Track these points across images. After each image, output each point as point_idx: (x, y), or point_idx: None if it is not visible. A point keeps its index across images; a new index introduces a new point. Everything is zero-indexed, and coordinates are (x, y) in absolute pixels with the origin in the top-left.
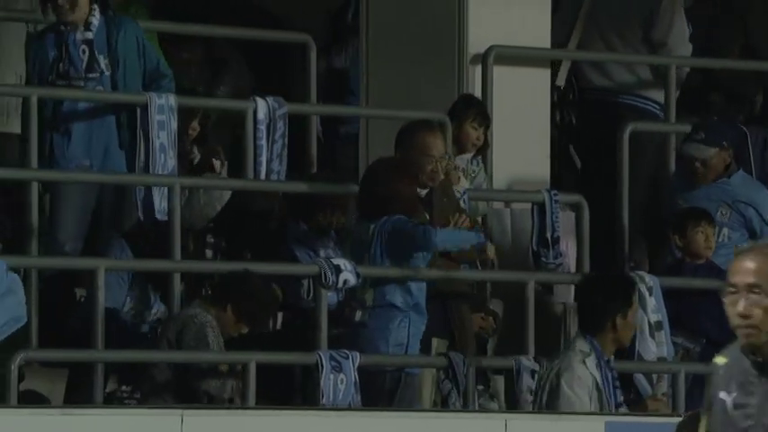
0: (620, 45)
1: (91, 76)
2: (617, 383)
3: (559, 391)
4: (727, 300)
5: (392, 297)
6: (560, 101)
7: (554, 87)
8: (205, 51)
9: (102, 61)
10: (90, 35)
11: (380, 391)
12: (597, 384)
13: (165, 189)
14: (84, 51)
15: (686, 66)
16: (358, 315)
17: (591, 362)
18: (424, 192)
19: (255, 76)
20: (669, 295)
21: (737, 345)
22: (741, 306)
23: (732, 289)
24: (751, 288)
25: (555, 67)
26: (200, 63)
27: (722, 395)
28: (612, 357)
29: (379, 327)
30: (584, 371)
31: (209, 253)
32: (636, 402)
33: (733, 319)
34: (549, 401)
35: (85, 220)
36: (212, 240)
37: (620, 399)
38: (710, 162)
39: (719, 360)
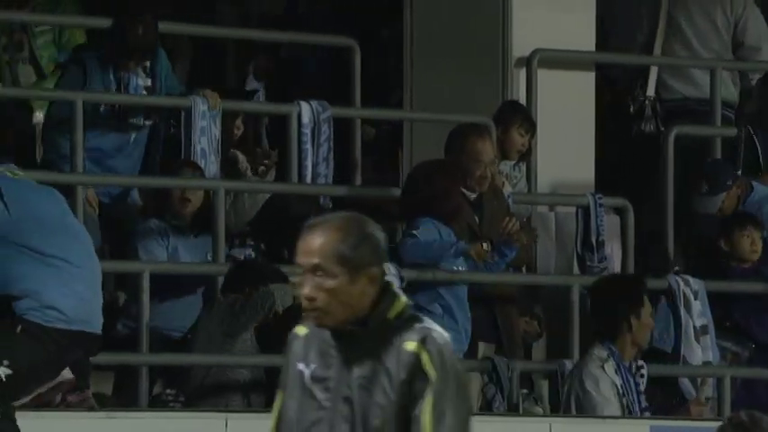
0: (704, 51)
1: (147, 123)
2: (641, 389)
3: (587, 396)
4: (297, 281)
5: (422, 299)
6: (653, 110)
7: (637, 98)
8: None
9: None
10: (149, 82)
11: None
12: (618, 389)
13: None
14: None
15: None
16: None
17: (610, 367)
18: (473, 196)
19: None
20: (716, 299)
21: None
22: (306, 289)
23: (300, 270)
24: (314, 270)
25: (641, 78)
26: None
27: (300, 366)
28: (641, 363)
29: None
30: (604, 376)
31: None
32: (680, 406)
33: (302, 302)
34: (579, 407)
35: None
36: (252, 243)
37: (645, 404)
38: (725, 205)
39: (300, 330)
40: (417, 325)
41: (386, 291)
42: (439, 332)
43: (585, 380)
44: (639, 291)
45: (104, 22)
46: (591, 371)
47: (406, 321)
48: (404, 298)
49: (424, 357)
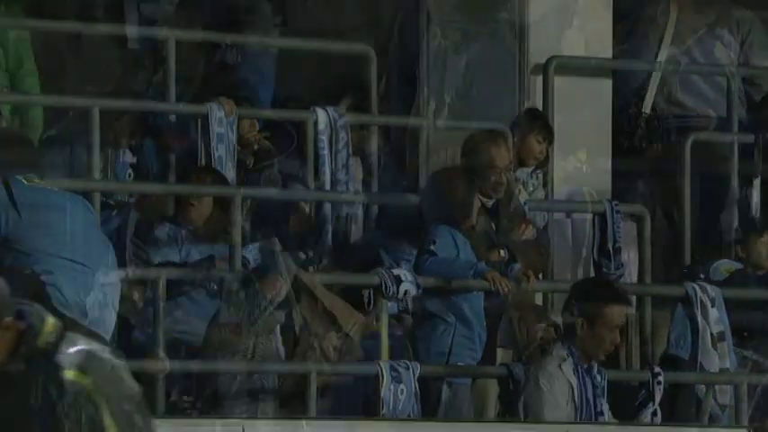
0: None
1: (131, 201)
2: (599, 392)
3: (537, 394)
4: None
5: (435, 307)
6: (647, 127)
7: (631, 115)
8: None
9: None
10: (135, 159)
11: (427, 400)
12: (573, 390)
13: None
14: (129, 175)
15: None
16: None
17: (567, 366)
18: (489, 202)
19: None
20: (734, 306)
21: None
22: None
23: None
24: None
25: (640, 95)
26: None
27: None
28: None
29: (421, 335)
30: (559, 375)
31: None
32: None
33: None
34: (527, 403)
35: None
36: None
37: (602, 408)
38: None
39: None
40: (71, 349)
41: (30, 317)
42: (97, 350)
43: (541, 378)
44: (595, 301)
45: (52, 25)
46: (548, 369)
47: (59, 346)
48: (51, 319)
49: (88, 384)
